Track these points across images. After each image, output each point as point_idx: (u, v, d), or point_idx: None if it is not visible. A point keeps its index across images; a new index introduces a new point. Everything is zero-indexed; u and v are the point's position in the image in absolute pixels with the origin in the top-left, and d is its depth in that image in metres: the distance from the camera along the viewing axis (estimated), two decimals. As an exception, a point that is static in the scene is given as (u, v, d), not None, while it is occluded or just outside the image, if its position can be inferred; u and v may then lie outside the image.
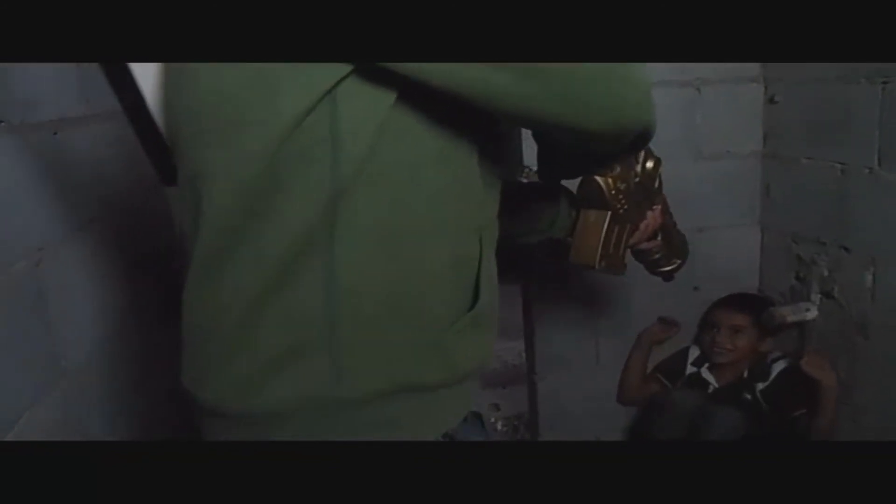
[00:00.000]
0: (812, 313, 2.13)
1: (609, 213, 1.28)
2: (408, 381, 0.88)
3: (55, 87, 1.30)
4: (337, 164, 0.78)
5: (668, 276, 1.64)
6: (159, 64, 0.87)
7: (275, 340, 0.85)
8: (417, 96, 0.80)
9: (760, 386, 2.22)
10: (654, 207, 1.40)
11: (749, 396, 2.21)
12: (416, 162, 0.84)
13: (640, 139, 0.91)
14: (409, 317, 0.87)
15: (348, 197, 0.80)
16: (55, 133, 1.28)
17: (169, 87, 0.87)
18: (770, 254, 2.44)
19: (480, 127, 0.88)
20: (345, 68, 0.76)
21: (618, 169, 1.25)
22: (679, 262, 1.61)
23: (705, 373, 2.33)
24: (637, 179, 1.30)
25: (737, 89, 2.34)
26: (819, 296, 2.15)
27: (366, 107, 0.79)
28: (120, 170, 1.65)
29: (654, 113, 0.87)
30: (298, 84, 0.77)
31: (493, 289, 0.97)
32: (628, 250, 1.43)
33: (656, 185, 1.38)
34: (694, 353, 2.43)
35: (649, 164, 1.32)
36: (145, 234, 1.77)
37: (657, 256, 1.54)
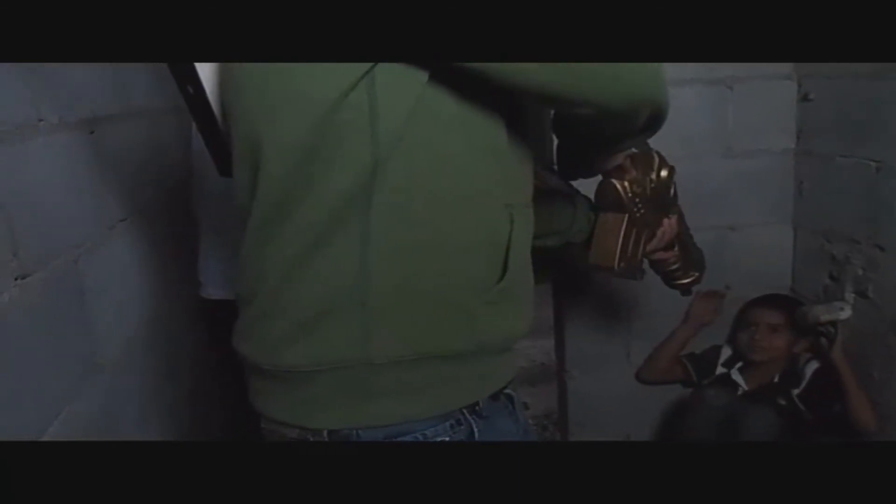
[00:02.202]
0: (846, 312, 2.10)
1: (626, 215, 1.29)
2: (435, 349, 0.92)
3: (91, 85, 1.32)
4: (375, 137, 0.84)
5: (685, 290, 1.64)
6: None
7: (308, 302, 0.90)
8: (449, 74, 0.85)
9: (796, 391, 2.19)
10: (671, 216, 1.41)
11: (784, 402, 2.18)
12: (447, 135, 0.88)
13: (652, 120, 0.94)
14: (437, 285, 0.90)
15: (385, 168, 0.85)
16: (92, 131, 1.30)
17: (223, 69, 0.94)
18: (803, 252, 2.42)
19: (507, 103, 0.92)
20: None
21: (633, 173, 1.27)
22: (696, 274, 1.61)
23: (735, 374, 2.31)
24: (652, 185, 1.31)
25: (769, 86, 2.32)
26: (853, 295, 2.13)
27: (402, 84, 0.84)
28: (155, 168, 1.67)
29: (664, 93, 0.91)
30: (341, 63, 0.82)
31: (524, 267, 1.00)
32: (646, 259, 1.43)
33: (671, 193, 1.39)
34: (725, 353, 2.40)
35: (664, 173, 1.33)
36: (180, 231, 1.79)
37: (674, 267, 1.54)
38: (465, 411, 0.96)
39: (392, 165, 0.85)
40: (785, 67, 2.32)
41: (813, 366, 2.21)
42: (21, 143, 1.03)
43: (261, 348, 0.96)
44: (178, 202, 1.81)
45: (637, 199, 1.29)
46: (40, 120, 1.10)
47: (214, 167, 1.57)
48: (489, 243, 0.94)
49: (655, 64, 0.87)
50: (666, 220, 1.40)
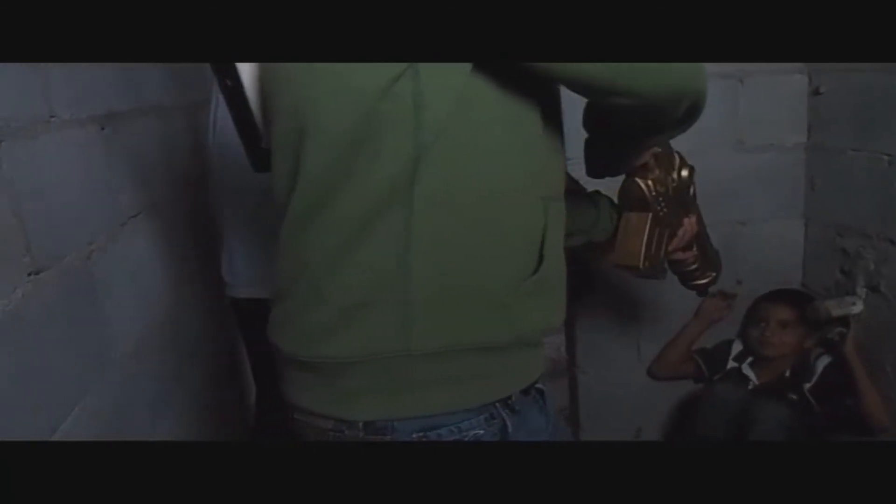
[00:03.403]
0: (858, 307, 2.09)
1: (650, 214, 1.29)
2: (473, 340, 0.93)
3: (103, 81, 1.32)
4: (420, 129, 0.85)
5: (702, 290, 1.65)
6: None
7: (348, 293, 0.91)
8: (491, 66, 0.86)
9: (807, 385, 2.18)
10: (690, 216, 1.41)
11: (795, 397, 2.17)
12: (487, 128, 0.89)
13: (690, 111, 0.95)
14: (476, 276, 0.92)
15: (427, 159, 0.86)
16: (103, 128, 1.30)
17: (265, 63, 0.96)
18: (814, 247, 2.40)
19: (544, 94, 0.94)
20: None
21: (657, 172, 1.27)
22: (713, 275, 1.61)
23: (746, 369, 2.30)
24: (674, 184, 1.32)
25: (780, 80, 2.31)
26: (865, 289, 2.12)
27: (445, 76, 0.85)
28: (167, 164, 1.67)
29: (704, 85, 0.91)
30: None
31: (558, 259, 1.01)
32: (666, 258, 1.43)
33: (691, 193, 1.39)
34: (737, 347, 2.39)
35: (684, 173, 1.34)
36: (191, 227, 1.80)
37: (692, 267, 1.54)
38: (498, 405, 0.97)
39: (434, 156, 0.86)
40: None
41: (824, 360, 2.20)
42: (33, 140, 1.04)
43: (299, 340, 0.97)
44: (189, 198, 1.82)
45: (660, 198, 1.29)
46: (52, 116, 1.10)
47: (237, 163, 1.59)
48: (525, 235, 0.96)
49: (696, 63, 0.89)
50: (686, 220, 1.40)
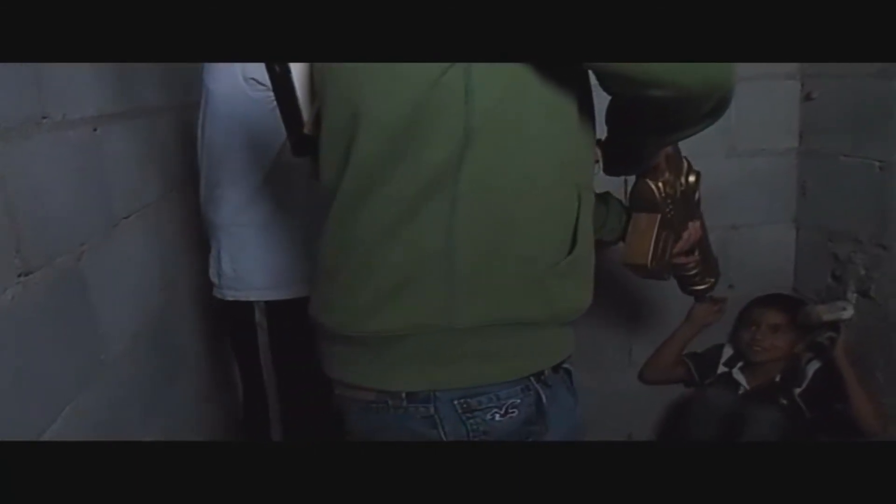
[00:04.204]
0: (848, 312, 2.09)
1: (659, 215, 1.32)
2: (511, 316, 0.97)
3: (95, 83, 1.32)
4: (469, 116, 0.89)
5: (700, 295, 1.67)
6: None
7: (396, 270, 0.95)
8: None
9: (798, 390, 2.18)
10: (695, 220, 1.44)
11: (786, 401, 2.18)
12: (532, 116, 0.93)
13: (718, 105, 0.98)
14: (516, 255, 0.96)
15: (474, 145, 0.90)
16: (95, 129, 1.30)
17: None
18: (805, 252, 2.41)
19: (580, 88, 0.98)
20: None
21: (667, 174, 1.31)
22: (712, 281, 1.64)
23: (737, 374, 2.30)
24: (682, 189, 1.35)
25: (773, 86, 2.32)
26: (855, 294, 2.12)
27: (495, 66, 0.89)
28: (158, 166, 1.67)
29: (735, 79, 0.95)
30: None
31: (589, 244, 1.06)
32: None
33: (696, 199, 1.42)
34: (727, 352, 2.40)
35: (691, 178, 1.38)
36: (183, 229, 1.79)
37: (693, 272, 1.56)
38: (532, 378, 1.01)
39: (480, 142, 0.90)
40: (788, 66, 2.31)
41: (815, 365, 2.20)
42: (25, 140, 1.04)
43: (347, 316, 1.00)
44: (181, 200, 1.81)
45: (669, 200, 1.32)
46: (44, 117, 1.10)
47: (229, 166, 1.59)
48: (561, 219, 1.00)
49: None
50: (691, 224, 1.43)
